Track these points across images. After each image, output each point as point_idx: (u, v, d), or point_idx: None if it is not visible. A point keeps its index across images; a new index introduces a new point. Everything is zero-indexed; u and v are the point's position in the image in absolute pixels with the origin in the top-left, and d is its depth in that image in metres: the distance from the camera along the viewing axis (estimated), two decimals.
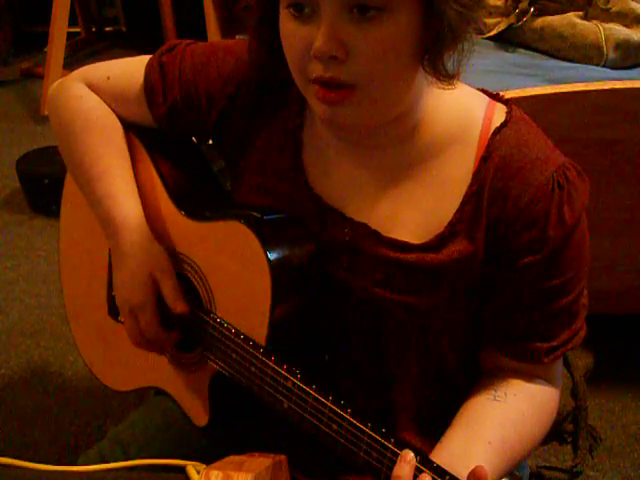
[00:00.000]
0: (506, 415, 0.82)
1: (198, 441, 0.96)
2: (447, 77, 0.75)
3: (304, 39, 0.73)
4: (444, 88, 0.77)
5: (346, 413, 0.75)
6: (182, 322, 0.92)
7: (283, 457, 0.80)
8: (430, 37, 0.72)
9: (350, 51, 0.71)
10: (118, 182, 0.94)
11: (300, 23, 0.73)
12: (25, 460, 0.80)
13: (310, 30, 0.72)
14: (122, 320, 0.95)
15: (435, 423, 0.91)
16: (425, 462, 0.70)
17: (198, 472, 0.77)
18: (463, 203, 0.81)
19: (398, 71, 0.74)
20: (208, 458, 0.77)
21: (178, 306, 0.89)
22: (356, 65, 0.72)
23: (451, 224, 0.81)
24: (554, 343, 0.84)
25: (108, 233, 0.94)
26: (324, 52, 0.71)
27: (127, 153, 0.97)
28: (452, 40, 0.73)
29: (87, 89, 0.98)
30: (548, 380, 0.87)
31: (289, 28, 0.75)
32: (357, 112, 0.76)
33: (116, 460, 0.88)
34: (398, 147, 0.83)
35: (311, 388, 0.78)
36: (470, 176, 0.81)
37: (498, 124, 0.81)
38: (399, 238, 0.83)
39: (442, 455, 0.77)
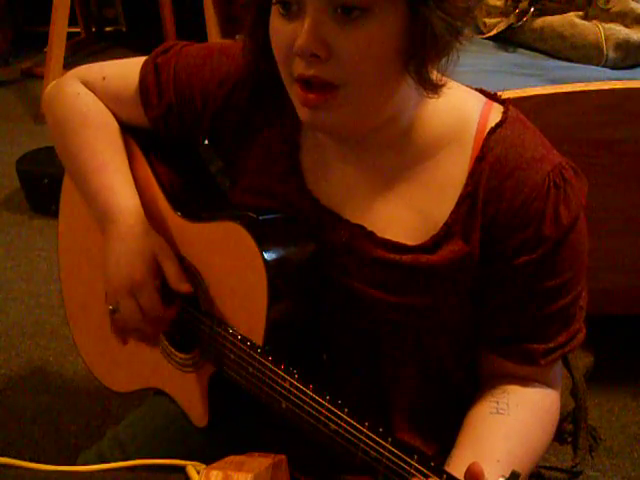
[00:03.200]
0: (511, 428, 0.82)
1: (198, 441, 0.96)
2: (431, 86, 0.75)
3: (289, 36, 0.73)
4: (429, 97, 0.77)
5: (343, 413, 0.75)
6: (181, 324, 0.92)
7: (283, 457, 0.80)
8: (414, 44, 0.72)
9: (332, 50, 0.71)
10: (115, 175, 0.94)
11: (286, 20, 0.74)
12: (25, 460, 0.80)
13: (295, 27, 0.73)
14: (110, 308, 0.91)
15: (432, 423, 0.91)
16: (423, 461, 0.70)
17: (198, 472, 0.77)
18: (458, 204, 0.81)
19: (380, 74, 0.74)
20: (208, 458, 0.77)
21: (182, 286, 0.88)
22: (338, 65, 0.72)
23: (446, 225, 0.81)
24: (551, 345, 0.84)
25: (104, 222, 0.93)
26: (306, 49, 0.71)
27: (124, 149, 0.97)
28: (436, 50, 0.73)
29: (83, 87, 0.98)
30: (547, 383, 0.87)
31: (276, 25, 0.75)
32: (337, 116, 0.76)
33: (115, 460, 0.88)
34: (394, 148, 0.83)
35: (308, 388, 0.78)
36: (465, 177, 0.81)
37: (494, 124, 0.81)
38: (395, 239, 0.83)
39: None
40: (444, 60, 0.75)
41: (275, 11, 0.75)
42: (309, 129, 0.84)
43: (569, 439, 1.00)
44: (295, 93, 0.76)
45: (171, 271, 0.89)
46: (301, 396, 0.78)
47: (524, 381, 0.86)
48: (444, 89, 0.77)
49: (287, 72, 0.77)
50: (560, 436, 0.99)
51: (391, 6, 0.70)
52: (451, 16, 0.71)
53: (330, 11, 0.71)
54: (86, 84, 0.99)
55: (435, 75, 0.76)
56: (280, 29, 0.75)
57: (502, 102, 0.85)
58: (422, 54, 0.73)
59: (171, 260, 0.89)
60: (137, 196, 0.93)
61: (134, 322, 0.90)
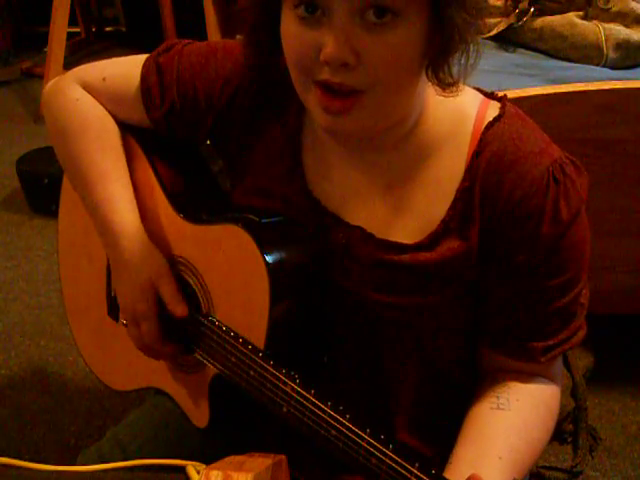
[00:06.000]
0: (512, 424, 0.81)
1: (198, 441, 0.96)
2: (450, 84, 0.75)
3: (311, 43, 0.71)
4: (446, 96, 0.76)
5: (345, 419, 0.75)
6: (183, 326, 0.92)
7: (283, 457, 0.80)
8: (436, 44, 0.72)
9: (361, 57, 0.70)
10: (115, 187, 0.93)
11: (307, 26, 0.71)
12: (25, 460, 0.80)
13: (318, 34, 0.70)
14: (124, 323, 0.95)
15: (434, 423, 0.91)
16: (424, 468, 0.70)
17: (198, 472, 0.77)
18: (455, 200, 0.80)
19: (405, 78, 0.74)
20: (208, 458, 0.77)
21: (178, 310, 0.90)
22: (365, 71, 0.71)
23: (443, 222, 0.81)
24: (550, 342, 0.83)
25: (106, 241, 0.94)
26: (336, 58, 0.69)
27: (124, 157, 0.96)
28: (457, 48, 0.72)
29: (82, 90, 0.97)
30: (548, 378, 0.87)
31: (293, 31, 0.73)
32: (360, 120, 0.75)
33: (115, 460, 0.88)
34: (395, 150, 0.83)
35: (310, 393, 0.77)
36: (462, 173, 0.80)
37: (491, 119, 0.81)
38: (393, 239, 0.83)
39: (454, 476, 0.75)
40: (463, 59, 0.74)
41: (292, 16, 0.72)
42: (328, 133, 0.83)
43: (569, 439, 1.00)
44: (315, 98, 0.74)
45: (167, 296, 0.90)
46: (302, 401, 0.78)
47: (524, 376, 0.85)
48: (454, 94, 0.76)
49: (304, 77, 0.75)
50: (560, 436, 0.99)
51: (418, 9, 0.69)
52: (471, 15, 0.71)
53: (358, 17, 0.69)
54: (85, 86, 0.97)
55: (455, 72, 0.75)
56: (299, 35, 0.72)
57: (499, 99, 0.85)
58: (444, 53, 0.72)
59: (167, 284, 0.90)
60: (137, 210, 0.93)
61: (136, 344, 0.94)
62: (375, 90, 0.72)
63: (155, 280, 0.90)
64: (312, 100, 0.75)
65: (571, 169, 0.80)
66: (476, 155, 0.80)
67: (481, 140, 0.80)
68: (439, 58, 0.73)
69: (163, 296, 0.90)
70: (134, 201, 0.94)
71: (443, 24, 0.70)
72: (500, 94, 0.86)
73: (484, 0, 0.73)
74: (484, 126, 0.81)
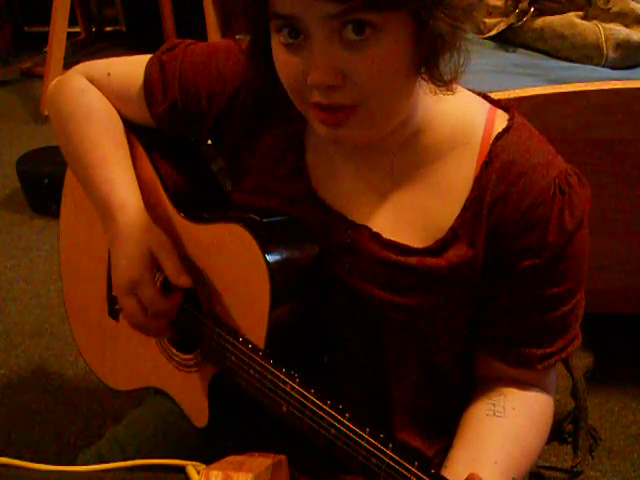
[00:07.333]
0: (508, 431, 0.82)
1: (198, 441, 0.96)
2: (444, 84, 0.75)
3: (297, 68, 0.72)
4: (444, 94, 0.76)
5: (344, 418, 0.75)
6: (183, 325, 0.91)
7: (283, 457, 0.80)
8: (424, 50, 0.72)
9: (347, 76, 0.70)
10: (116, 169, 0.93)
11: (291, 53, 0.72)
12: (25, 460, 0.80)
13: (302, 59, 0.71)
14: (119, 307, 0.92)
15: (434, 423, 0.91)
16: (422, 468, 0.70)
17: (198, 472, 0.77)
18: (464, 208, 0.81)
19: (396, 86, 0.73)
20: (208, 458, 0.77)
21: (180, 280, 0.87)
22: (354, 87, 0.71)
23: (452, 229, 0.81)
24: (548, 350, 0.84)
25: (105, 217, 0.92)
26: (321, 83, 0.70)
27: (126, 144, 0.96)
28: (444, 50, 0.72)
29: (88, 82, 0.98)
30: (543, 388, 0.87)
31: (281, 58, 0.74)
32: (360, 129, 0.75)
33: (115, 460, 0.88)
34: (401, 151, 0.83)
35: (310, 392, 0.77)
36: (471, 181, 0.81)
37: (500, 130, 0.81)
38: (401, 241, 0.83)
39: (451, 478, 0.75)
40: (455, 58, 0.74)
41: (278, 43, 0.73)
42: (331, 143, 0.83)
43: (569, 439, 1.00)
44: (312, 114, 0.75)
45: (169, 265, 0.88)
46: (302, 400, 0.78)
47: (520, 384, 0.86)
48: (450, 93, 0.76)
49: (300, 99, 0.76)
50: (560, 436, 0.99)
51: (399, 20, 0.69)
52: (456, 19, 0.70)
53: (336, 38, 0.69)
54: (91, 80, 0.98)
55: (447, 72, 0.75)
56: (286, 62, 0.73)
57: (505, 108, 0.85)
58: (433, 58, 0.72)
59: (169, 254, 0.88)
60: (138, 190, 0.93)
61: (138, 320, 0.90)
62: (368, 102, 0.73)
63: (156, 250, 0.88)
64: (310, 115, 0.76)
65: (575, 181, 0.81)
66: (485, 165, 0.80)
67: (491, 151, 0.80)
68: (429, 63, 0.73)
69: (164, 266, 0.88)
70: (136, 184, 0.93)
71: (426, 31, 0.70)
72: (502, 97, 0.86)
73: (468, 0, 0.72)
74: (493, 137, 0.81)
